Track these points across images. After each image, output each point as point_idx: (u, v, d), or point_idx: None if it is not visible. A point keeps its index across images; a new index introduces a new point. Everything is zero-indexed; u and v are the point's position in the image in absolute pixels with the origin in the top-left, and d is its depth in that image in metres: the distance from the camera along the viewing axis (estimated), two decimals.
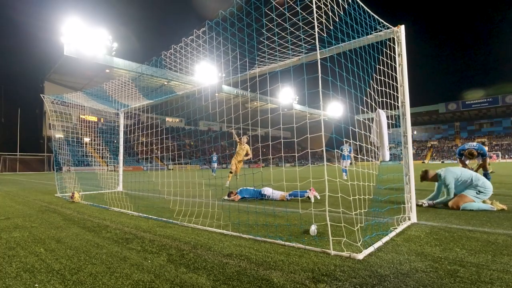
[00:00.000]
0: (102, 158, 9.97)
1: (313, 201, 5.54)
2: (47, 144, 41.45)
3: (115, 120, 9.42)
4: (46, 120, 43.69)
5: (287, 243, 2.77)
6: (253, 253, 2.55)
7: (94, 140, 9.55)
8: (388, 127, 3.75)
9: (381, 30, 3.74)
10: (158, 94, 7.83)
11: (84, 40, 39.21)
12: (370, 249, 2.54)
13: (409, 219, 3.62)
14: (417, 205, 4.80)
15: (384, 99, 3.65)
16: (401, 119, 3.71)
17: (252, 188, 6.32)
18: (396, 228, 3.19)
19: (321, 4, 2.83)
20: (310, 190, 5.75)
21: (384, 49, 3.74)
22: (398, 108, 3.72)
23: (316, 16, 2.71)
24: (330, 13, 2.91)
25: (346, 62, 3.17)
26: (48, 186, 11.46)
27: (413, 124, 77.58)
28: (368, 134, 3.61)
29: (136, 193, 7.93)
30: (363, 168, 3.54)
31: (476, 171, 5.84)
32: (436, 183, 5.01)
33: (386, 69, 3.70)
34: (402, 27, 3.76)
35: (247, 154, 9.41)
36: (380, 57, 3.70)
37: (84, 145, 9.45)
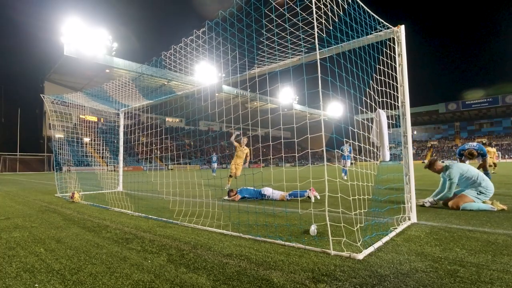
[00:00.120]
0: (102, 158, 9.97)
1: (313, 201, 5.54)
2: (47, 144, 41.43)
3: (115, 120, 9.42)
4: (46, 120, 43.69)
5: (287, 243, 2.77)
6: (253, 253, 2.55)
7: (94, 140, 9.55)
8: (388, 127, 3.75)
9: (381, 30, 3.74)
10: (158, 94, 7.84)
11: (84, 40, 39.23)
12: (370, 249, 2.54)
13: (409, 219, 3.62)
14: (420, 205, 4.80)
15: (384, 99, 3.66)
16: (401, 119, 3.71)
17: (252, 188, 6.33)
18: (396, 228, 3.19)
19: (320, 4, 2.83)
20: (310, 190, 5.76)
21: (384, 49, 3.74)
22: (398, 108, 3.72)
23: (316, 17, 2.71)
24: (330, 14, 2.91)
25: (346, 63, 3.17)
26: (48, 186, 11.46)
27: (413, 124, 77.59)
28: (367, 135, 3.62)
29: (136, 193, 7.93)
30: (363, 169, 3.54)
31: None
32: (441, 180, 4.98)
33: (386, 69, 3.70)
34: (402, 27, 3.76)
35: (245, 159, 8.97)
36: (380, 57, 3.70)
37: (84, 145, 9.45)
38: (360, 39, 3.62)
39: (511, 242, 2.75)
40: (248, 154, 9.08)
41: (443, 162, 5.07)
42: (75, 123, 9.27)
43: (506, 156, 62.14)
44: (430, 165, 4.99)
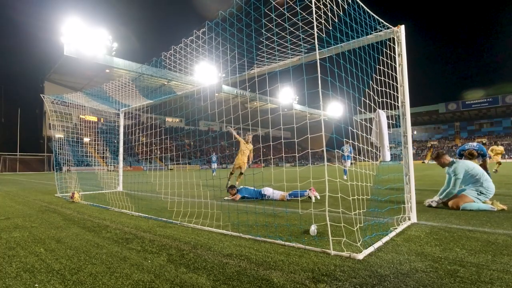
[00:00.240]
0: (102, 158, 9.97)
1: (313, 201, 5.54)
2: (47, 144, 41.44)
3: (115, 120, 9.43)
4: (46, 120, 43.70)
5: (287, 243, 2.77)
6: (253, 253, 2.55)
7: (94, 140, 9.55)
8: (388, 127, 3.75)
9: (381, 30, 3.74)
10: (158, 94, 7.84)
11: (84, 40, 39.19)
12: (370, 249, 2.54)
13: (409, 219, 3.62)
14: (428, 206, 4.78)
15: (384, 99, 3.66)
16: (401, 119, 3.71)
17: (252, 188, 6.33)
18: (396, 228, 3.19)
19: (320, 4, 2.83)
20: (310, 189, 5.76)
21: (384, 49, 3.74)
22: (398, 108, 3.72)
23: (316, 17, 2.71)
24: (330, 14, 2.91)
25: (345, 63, 3.17)
26: (48, 186, 11.46)
27: (413, 124, 77.59)
28: (367, 135, 3.61)
29: (136, 193, 7.93)
30: (363, 169, 3.54)
31: None
32: (446, 177, 4.96)
33: (386, 69, 3.70)
34: (402, 27, 3.76)
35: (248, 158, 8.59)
36: (380, 57, 3.70)
37: (84, 145, 9.45)
38: (360, 39, 3.62)
39: (511, 242, 2.75)
40: (251, 153, 8.68)
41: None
42: (75, 123, 9.27)
43: (506, 156, 62.17)
44: (438, 157, 4.95)
